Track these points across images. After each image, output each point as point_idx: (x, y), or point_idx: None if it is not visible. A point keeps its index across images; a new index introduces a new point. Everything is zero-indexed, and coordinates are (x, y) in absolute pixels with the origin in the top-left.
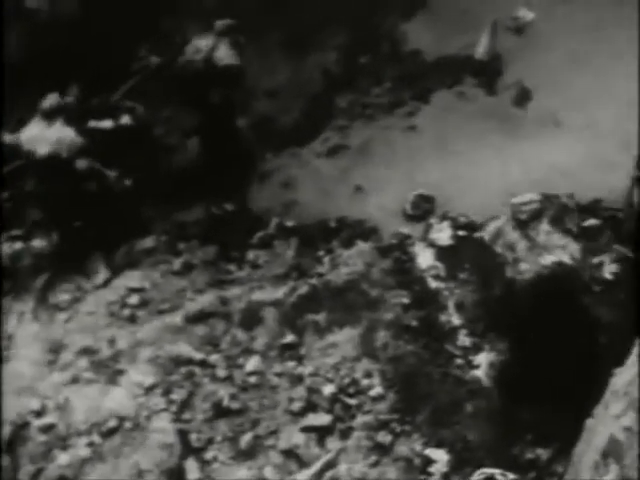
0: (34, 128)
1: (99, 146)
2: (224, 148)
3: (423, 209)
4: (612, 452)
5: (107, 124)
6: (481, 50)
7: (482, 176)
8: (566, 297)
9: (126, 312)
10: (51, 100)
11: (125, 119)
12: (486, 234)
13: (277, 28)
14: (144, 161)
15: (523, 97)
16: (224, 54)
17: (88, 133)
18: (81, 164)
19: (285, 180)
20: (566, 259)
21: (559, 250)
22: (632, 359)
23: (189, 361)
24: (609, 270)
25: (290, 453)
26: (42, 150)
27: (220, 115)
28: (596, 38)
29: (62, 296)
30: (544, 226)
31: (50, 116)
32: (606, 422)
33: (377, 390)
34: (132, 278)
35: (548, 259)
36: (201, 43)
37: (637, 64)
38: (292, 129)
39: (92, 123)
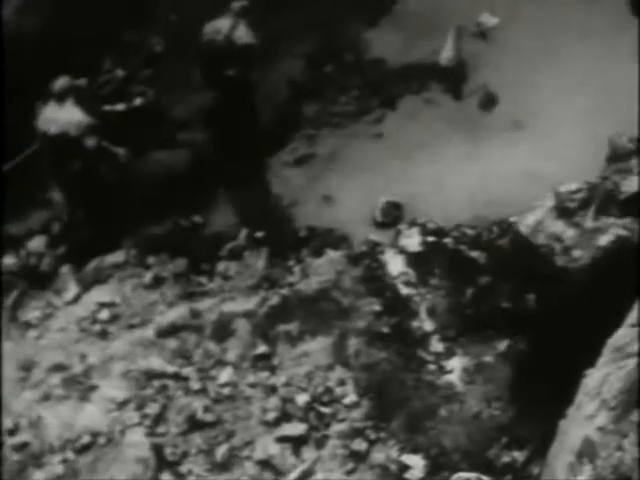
0: (48, 110)
1: (110, 126)
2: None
3: (392, 216)
4: (586, 452)
5: (120, 107)
6: (446, 56)
7: (450, 181)
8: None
9: (97, 327)
10: (62, 82)
11: (137, 101)
12: (523, 227)
13: None
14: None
15: (489, 102)
16: (243, 33)
17: (98, 114)
18: (90, 142)
19: (254, 190)
20: (623, 232)
21: (613, 229)
22: (603, 359)
23: (162, 375)
24: None
25: (266, 464)
26: (53, 130)
27: (239, 94)
28: (563, 41)
29: (32, 313)
30: (591, 213)
31: (61, 97)
32: (579, 423)
33: (351, 398)
34: (102, 293)
35: (604, 239)
36: (220, 23)
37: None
38: (259, 139)
39: (106, 107)
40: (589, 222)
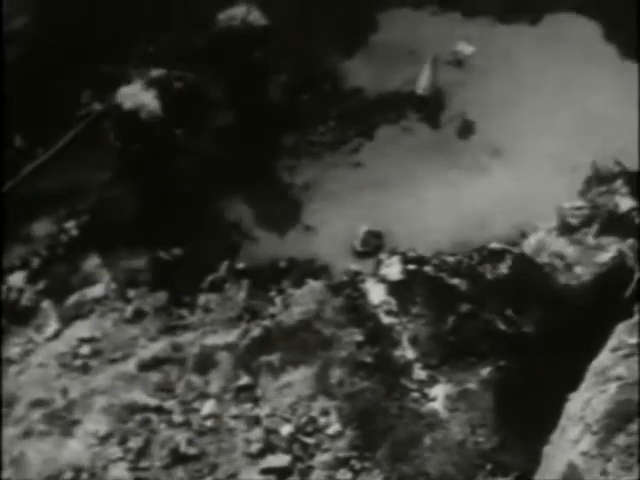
0: (129, 88)
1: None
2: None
3: (372, 245)
4: (570, 477)
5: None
6: (422, 85)
7: (429, 209)
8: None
9: (78, 362)
10: (156, 72)
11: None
12: (527, 247)
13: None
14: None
15: (466, 129)
16: (257, 17)
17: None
18: (155, 121)
19: (234, 222)
20: (625, 249)
21: (614, 246)
22: (586, 383)
23: (144, 408)
24: None
25: None
26: (127, 105)
27: (257, 74)
28: (538, 68)
29: (13, 349)
30: (594, 230)
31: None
32: (564, 448)
33: (335, 428)
34: (83, 328)
35: (605, 256)
36: (234, 11)
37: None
38: (239, 169)
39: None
40: (591, 239)
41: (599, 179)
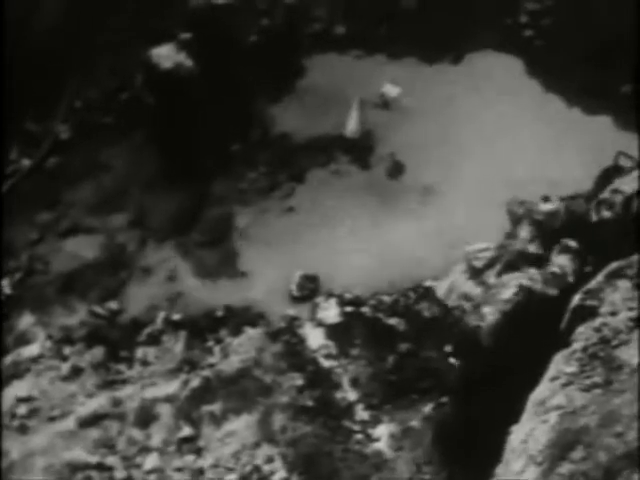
0: (164, 49)
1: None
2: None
3: (308, 289)
4: None
5: None
6: (351, 127)
7: (363, 249)
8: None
9: (16, 423)
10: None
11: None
12: (439, 290)
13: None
14: None
15: (396, 169)
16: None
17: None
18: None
19: (168, 272)
20: (526, 283)
21: (515, 282)
22: (526, 415)
23: (85, 466)
24: None
25: None
26: (166, 65)
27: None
28: (463, 106)
29: None
30: (497, 270)
31: (178, 44)
32: None
33: (280, 474)
34: (19, 388)
35: (508, 292)
36: (162, 51)
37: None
38: (171, 221)
39: None
40: (492, 279)
41: (520, 217)
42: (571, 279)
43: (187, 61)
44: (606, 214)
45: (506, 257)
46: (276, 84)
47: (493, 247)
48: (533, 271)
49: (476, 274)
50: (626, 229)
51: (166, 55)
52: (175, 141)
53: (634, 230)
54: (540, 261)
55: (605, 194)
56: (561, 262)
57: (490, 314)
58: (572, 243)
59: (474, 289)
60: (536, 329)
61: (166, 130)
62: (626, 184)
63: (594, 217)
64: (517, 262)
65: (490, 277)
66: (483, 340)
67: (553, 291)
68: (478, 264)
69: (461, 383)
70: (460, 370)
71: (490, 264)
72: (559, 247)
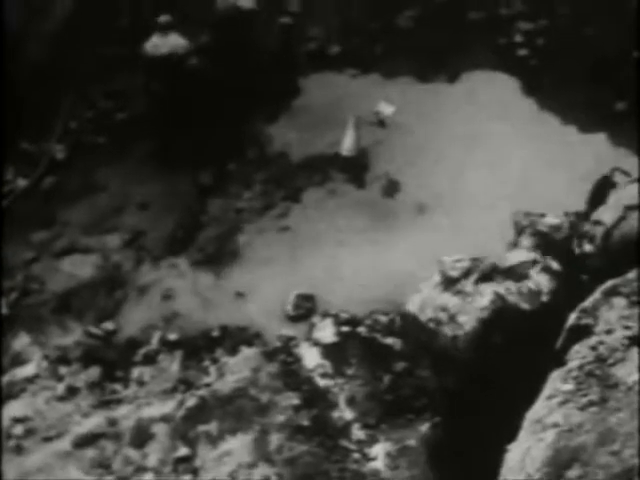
0: (155, 38)
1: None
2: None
3: (304, 308)
4: None
5: None
6: (346, 146)
7: (359, 269)
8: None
9: (11, 443)
10: (165, 18)
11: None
12: (411, 306)
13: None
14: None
15: (392, 188)
16: (247, 2)
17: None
18: (192, 60)
19: (164, 292)
20: (501, 291)
21: (489, 289)
22: (523, 433)
23: None
24: None
25: None
26: (163, 50)
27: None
28: (459, 125)
29: None
30: (473, 279)
31: (165, 29)
32: None
33: None
34: (15, 408)
35: (484, 300)
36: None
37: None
38: (166, 241)
39: None
40: (469, 287)
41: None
42: (545, 298)
43: (180, 40)
44: (587, 247)
45: (482, 269)
46: (272, 103)
47: (468, 258)
48: (509, 283)
49: (452, 284)
50: (609, 259)
51: (159, 43)
52: (172, 158)
53: (615, 260)
54: (518, 275)
55: (586, 227)
56: (539, 280)
57: (467, 323)
58: (554, 265)
59: (451, 299)
60: (514, 342)
61: (164, 146)
62: (607, 214)
63: (576, 250)
64: (492, 273)
65: (465, 286)
66: (461, 350)
67: (525, 305)
68: (454, 273)
69: (449, 401)
70: (441, 386)
71: (466, 274)
72: (541, 265)
